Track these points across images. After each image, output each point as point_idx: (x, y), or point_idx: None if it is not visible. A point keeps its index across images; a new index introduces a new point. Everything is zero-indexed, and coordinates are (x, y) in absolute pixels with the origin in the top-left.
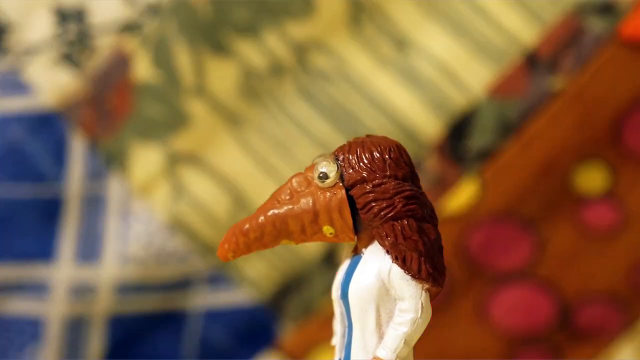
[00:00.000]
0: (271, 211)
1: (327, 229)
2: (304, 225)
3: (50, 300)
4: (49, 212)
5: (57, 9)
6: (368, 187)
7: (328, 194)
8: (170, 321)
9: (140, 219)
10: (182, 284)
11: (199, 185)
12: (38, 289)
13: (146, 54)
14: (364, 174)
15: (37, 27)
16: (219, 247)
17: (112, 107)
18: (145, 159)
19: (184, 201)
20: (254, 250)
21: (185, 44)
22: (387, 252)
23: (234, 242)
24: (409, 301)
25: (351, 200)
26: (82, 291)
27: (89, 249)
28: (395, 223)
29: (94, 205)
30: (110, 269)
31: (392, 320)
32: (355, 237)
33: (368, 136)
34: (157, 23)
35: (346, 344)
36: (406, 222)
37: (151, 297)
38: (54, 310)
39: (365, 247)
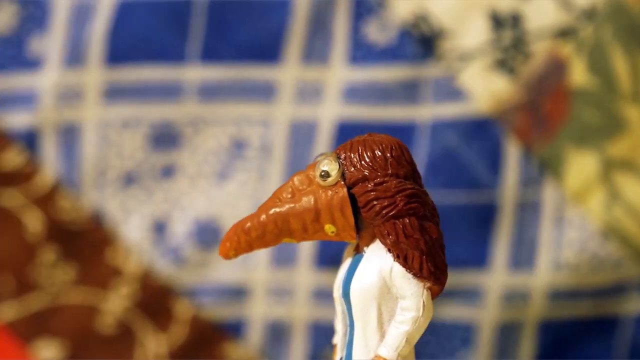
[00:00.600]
0: (273, 210)
1: (329, 228)
2: (306, 224)
3: (483, 307)
4: (483, 218)
5: (493, 15)
6: (370, 185)
7: (330, 192)
8: (601, 327)
9: (574, 225)
10: (615, 290)
11: (634, 191)
12: (471, 295)
13: (582, 59)
14: (366, 173)
15: (472, 33)
16: (220, 245)
17: (547, 113)
18: (581, 165)
19: (619, 207)
20: (256, 249)
21: (621, 48)
22: (389, 250)
23: (236, 240)
24: (411, 300)
25: (353, 198)
26: (515, 297)
27: (523, 256)
28: (397, 221)
29: (528, 211)
30: (543, 276)
31: (394, 318)
32: (357, 236)
33: (370, 135)
34: (592, 28)
35: (347, 343)
36: (408, 221)
37: (583, 303)
38: (486, 316)
39: (367, 245)
